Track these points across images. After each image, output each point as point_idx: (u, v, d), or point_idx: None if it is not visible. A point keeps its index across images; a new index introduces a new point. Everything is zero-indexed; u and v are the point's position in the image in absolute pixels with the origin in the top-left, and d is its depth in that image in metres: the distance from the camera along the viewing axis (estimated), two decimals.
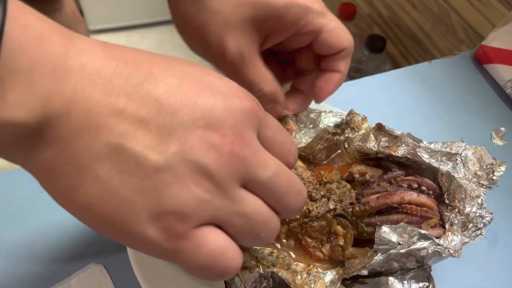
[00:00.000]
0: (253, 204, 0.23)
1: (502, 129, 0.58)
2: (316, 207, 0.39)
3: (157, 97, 0.21)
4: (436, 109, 0.61)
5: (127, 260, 0.40)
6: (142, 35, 1.82)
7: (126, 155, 0.20)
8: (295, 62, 0.42)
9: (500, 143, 0.58)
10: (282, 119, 0.43)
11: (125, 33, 1.82)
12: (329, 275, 0.36)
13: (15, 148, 0.20)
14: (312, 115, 0.43)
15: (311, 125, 0.43)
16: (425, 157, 0.38)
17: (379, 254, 0.34)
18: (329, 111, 0.43)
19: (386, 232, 0.34)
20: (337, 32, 0.37)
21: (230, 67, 0.36)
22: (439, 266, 0.36)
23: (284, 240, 0.40)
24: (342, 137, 0.43)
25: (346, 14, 1.22)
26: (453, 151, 0.38)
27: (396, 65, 1.19)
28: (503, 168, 0.44)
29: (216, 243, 0.22)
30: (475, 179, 0.38)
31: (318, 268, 0.37)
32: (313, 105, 0.45)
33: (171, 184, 0.21)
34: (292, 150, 0.27)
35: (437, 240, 0.34)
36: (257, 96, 0.36)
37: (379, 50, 1.14)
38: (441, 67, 0.66)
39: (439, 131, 0.59)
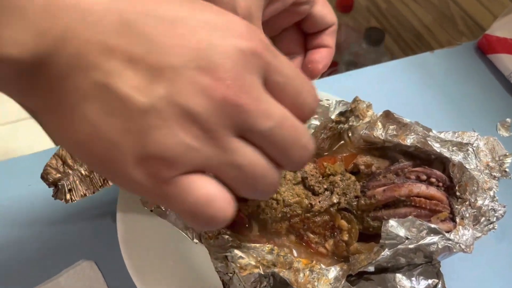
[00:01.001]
0: (248, 155, 0.21)
1: (508, 120, 0.57)
2: (319, 201, 0.37)
3: (149, 34, 0.20)
4: (439, 100, 0.59)
5: (119, 256, 0.39)
6: None
7: (112, 95, 0.19)
8: (277, 48, 0.40)
9: (506, 134, 0.56)
10: None
11: None
12: (333, 272, 0.34)
13: (14, 88, 0.20)
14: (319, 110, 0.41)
15: (316, 116, 0.41)
16: (436, 146, 0.36)
17: (386, 249, 0.32)
18: (337, 101, 0.41)
19: (394, 226, 0.32)
20: (327, 6, 0.37)
21: None
22: (445, 261, 0.35)
23: (285, 237, 0.38)
24: (346, 126, 0.41)
25: (344, 7, 1.21)
26: (464, 141, 0.36)
27: (394, 59, 1.16)
28: (509, 160, 0.42)
29: (203, 191, 0.21)
30: (487, 171, 0.35)
31: (321, 264, 0.35)
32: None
33: (156, 128, 0.20)
34: (309, 100, 0.24)
35: (447, 235, 0.32)
36: None
37: (378, 43, 1.12)
38: (444, 57, 0.64)
39: (442, 123, 0.57)
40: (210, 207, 0.21)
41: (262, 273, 0.32)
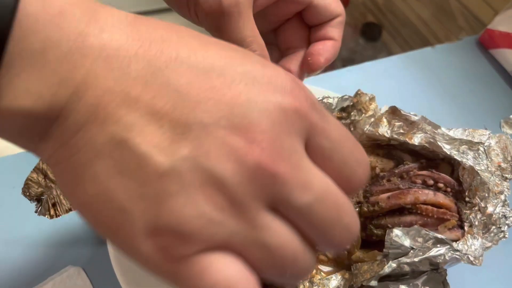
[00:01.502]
0: (279, 233, 0.18)
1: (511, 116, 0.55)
2: None
3: (178, 86, 0.17)
4: (440, 96, 0.58)
5: (108, 262, 0.37)
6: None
7: (129, 153, 0.17)
8: (278, 42, 0.38)
9: (509, 131, 0.54)
10: None
11: None
12: (334, 280, 0.33)
13: (24, 138, 0.18)
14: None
15: None
16: (446, 148, 0.34)
17: (390, 262, 0.30)
18: (339, 97, 0.39)
19: (398, 235, 0.30)
20: None
21: (221, 20, 0.31)
22: (451, 268, 0.33)
23: None
24: (348, 121, 0.38)
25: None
26: (475, 140, 0.34)
27: (391, 55, 1.15)
28: None
29: (224, 274, 0.18)
30: (498, 172, 0.33)
31: (322, 273, 0.33)
32: (314, 92, 0.41)
33: (174, 194, 0.17)
34: (359, 170, 0.20)
35: (455, 245, 0.30)
36: None
37: (375, 38, 1.10)
38: (445, 52, 0.63)
39: (444, 119, 0.55)
40: None
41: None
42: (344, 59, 1.21)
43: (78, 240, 0.43)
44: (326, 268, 0.35)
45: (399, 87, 0.58)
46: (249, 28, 0.31)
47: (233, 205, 0.17)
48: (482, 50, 0.63)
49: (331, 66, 1.16)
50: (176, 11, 0.34)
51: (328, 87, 0.50)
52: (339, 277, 0.33)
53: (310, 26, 0.36)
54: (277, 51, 0.38)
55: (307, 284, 0.32)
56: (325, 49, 0.34)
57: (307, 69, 0.35)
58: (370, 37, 1.11)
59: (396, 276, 0.32)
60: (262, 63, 0.19)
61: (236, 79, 0.18)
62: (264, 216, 0.18)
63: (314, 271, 0.34)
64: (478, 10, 0.88)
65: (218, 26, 0.31)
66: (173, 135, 0.17)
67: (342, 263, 0.35)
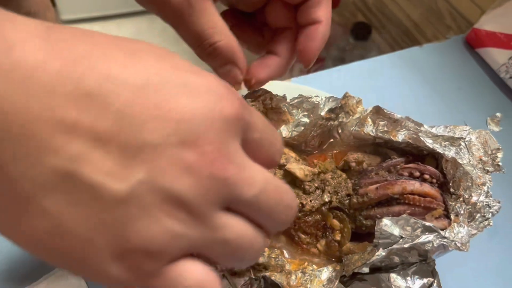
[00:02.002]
0: (235, 228, 0.20)
1: (498, 114, 0.56)
2: (310, 201, 0.36)
3: (118, 106, 0.17)
4: (428, 94, 0.59)
5: None
6: (118, 26, 1.77)
7: (80, 184, 0.16)
8: (267, 21, 0.36)
9: (496, 129, 0.56)
10: (250, 91, 0.37)
11: (101, 24, 1.76)
12: (326, 272, 0.34)
13: None
14: (305, 105, 0.40)
15: (306, 113, 0.39)
16: (429, 142, 0.35)
17: (380, 249, 0.31)
18: (327, 97, 0.40)
19: (387, 225, 0.31)
20: None
21: (175, 15, 0.31)
22: (439, 258, 0.34)
23: (275, 238, 0.37)
24: (336, 122, 0.40)
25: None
26: (456, 135, 0.36)
27: (381, 54, 1.16)
28: (500, 155, 0.42)
29: (193, 278, 0.19)
30: (480, 165, 0.35)
31: (314, 265, 0.34)
32: (304, 91, 0.42)
33: (136, 218, 0.17)
34: (279, 147, 0.24)
35: (442, 233, 0.31)
36: (209, 54, 0.31)
37: (365, 37, 1.12)
38: (433, 51, 0.64)
39: (432, 117, 0.56)
40: None
41: (253, 277, 0.31)
42: (334, 58, 1.22)
43: None
44: (318, 262, 0.36)
45: (387, 86, 0.60)
46: (206, 20, 0.30)
47: (193, 215, 0.18)
48: (469, 49, 0.65)
49: (322, 65, 1.17)
50: (146, 8, 0.33)
51: (318, 86, 0.51)
52: (330, 269, 0.34)
53: (294, 5, 0.34)
54: (269, 32, 0.37)
55: (299, 274, 0.33)
56: (314, 38, 0.33)
57: (301, 62, 0.35)
58: (360, 37, 1.12)
59: (386, 268, 0.33)
60: (194, 72, 0.19)
61: (176, 93, 0.18)
62: (221, 217, 0.19)
63: (306, 263, 0.35)
64: (466, 10, 0.90)
65: (175, 21, 0.31)
66: (123, 160, 0.17)
67: (333, 256, 0.36)
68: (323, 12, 0.33)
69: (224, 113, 0.19)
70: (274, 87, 0.40)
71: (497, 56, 0.61)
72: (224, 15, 0.36)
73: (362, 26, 1.13)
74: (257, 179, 0.20)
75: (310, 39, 0.33)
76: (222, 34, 0.31)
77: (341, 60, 1.19)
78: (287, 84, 0.52)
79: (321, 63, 1.27)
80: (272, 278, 0.32)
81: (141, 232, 0.17)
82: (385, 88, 0.59)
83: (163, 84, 0.18)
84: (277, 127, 0.40)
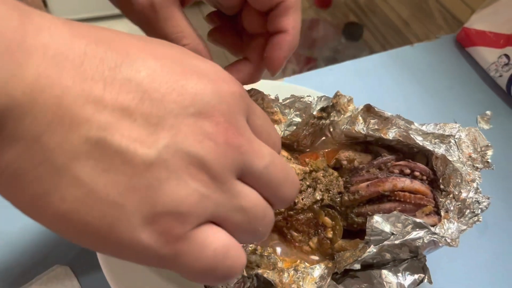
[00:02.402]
0: (251, 197, 0.21)
1: (488, 112, 0.57)
2: (302, 199, 0.37)
3: (139, 81, 0.18)
4: (419, 93, 0.60)
5: (95, 260, 0.38)
6: (110, 27, 1.76)
7: (111, 151, 0.18)
8: (244, 26, 0.36)
9: (486, 127, 0.57)
10: None
11: (92, 24, 1.75)
12: (318, 270, 0.34)
13: None
14: (298, 104, 0.40)
15: (298, 113, 0.40)
16: (419, 139, 0.36)
17: (371, 246, 0.32)
18: (319, 97, 0.40)
19: (378, 222, 0.32)
20: None
21: (142, 21, 0.32)
22: (430, 255, 0.35)
23: (267, 236, 0.38)
24: (327, 121, 0.40)
25: (322, 2, 1.21)
26: (446, 133, 0.36)
27: (373, 54, 1.17)
28: (490, 152, 0.43)
29: (219, 242, 0.20)
30: (469, 162, 0.36)
31: (306, 263, 0.34)
32: (297, 91, 0.42)
33: (165, 180, 0.18)
34: (277, 141, 0.25)
35: (432, 229, 0.32)
36: None
37: (357, 38, 1.13)
38: (424, 50, 0.65)
39: (423, 116, 0.57)
40: (228, 258, 0.20)
41: (246, 274, 0.31)
42: (326, 59, 1.23)
43: (65, 239, 0.44)
44: (310, 260, 0.37)
45: (379, 85, 0.60)
46: (172, 26, 0.31)
47: (214, 179, 0.19)
48: (459, 48, 0.66)
49: (314, 65, 1.17)
50: (119, 9, 0.34)
51: (311, 85, 0.51)
52: (323, 266, 0.34)
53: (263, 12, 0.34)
54: (247, 36, 0.37)
55: (292, 272, 0.33)
56: (279, 48, 0.33)
57: (267, 69, 0.35)
58: (352, 37, 1.13)
59: (378, 265, 0.34)
60: (200, 58, 0.22)
61: (189, 71, 0.20)
62: (237, 185, 0.21)
63: (298, 260, 0.35)
64: (456, 9, 0.91)
65: (143, 27, 0.32)
66: (148, 127, 0.18)
67: (325, 253, 0.37)
68: (290, 22, 0.32)
69: (231, 90, 0.21)
70: (266, 87, 0.40)
71: (487, 55, 0.62)
72: (210, 16, 0.37)
73: (354, 26, 1.14)
74: (266, 153, 0.22)
75: (275, 48, 0.33)
76: (190, 38, 0.32)
77: (333, 60, 1.20)
78: (280, 83, 0.52)
79: (313, 63, 1.27)
80: (265, 275, 0.32)
81: (171, 194, 0.18)
82: (377, 87, 0.60)
83: (177, 63, 0.20)
84: None
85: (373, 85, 0.60)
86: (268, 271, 0.33)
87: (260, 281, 0.34)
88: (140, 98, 0.18)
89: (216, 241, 0.20)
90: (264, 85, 0.38)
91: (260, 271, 0.32)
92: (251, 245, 0.35)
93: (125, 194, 0.18)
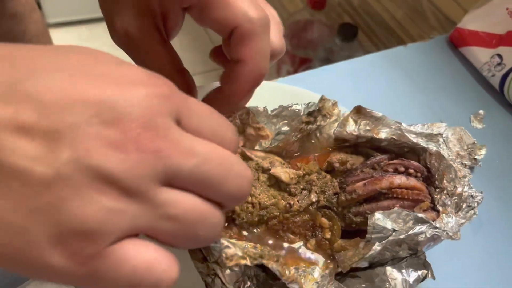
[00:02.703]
0: (181, 202, 0.20)
1: (481, 112, 0.58)
2: (298, 201, 0.37)
3: (39, 96, 0.17)
4: (413, 94, 0.60)
5: None
6: (106, 29, 1.76)
7: (8, 173, 0.17)
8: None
9: (479, 126, 0.57)
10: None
11: (87, 27, 1.75)
12: (317, 270, 0.34)
13: None
14: (285, 113, 0.39)
15: (286, 121, 0.40)
16: (412, 137, 0.36)
17: (376, 243, 0.32)
18: (305, 103, 0.40)
19: (380, 219, 0.32)
20: (228, 2, 0.28)
21: (125, 50, 0.32)
22: (427, 253, 0.35)
23: (264, 239, 0.37)
24: (314, 126, 0.40)
25: (316, 3, 1.21)
26: (434, 132, 0.37)
27: (367, 54, 1.18)
28: (483, 151, 0.44)
29: (140, 257, 0.19)
30: (458, 160, 0.36)
31: (306, 262, 0.34)
32: (291, 91, 0.42)
33: (68, 199, 0.17)
34: (227, 137, 0.23)
35: (434, 223, 0.32)
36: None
37: (351, 38, 1.13)
38: (417, 51, 0.66)
39: (416, 117, 0.58)
40: (152, 273, 0.19)
41: (249, 264, 0.31)
42: (321, 59, 1.23)
43: None
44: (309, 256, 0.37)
45: (373, 85, 0.61)
46: (149, 56, 0.31)
47: (127, 192, 0.18)
48: (453, 48, 0.66)
49: (309, 66, 1.17)
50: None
51: (305, 86, 0.52)
52: (323, 266, 0.34)
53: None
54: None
55: (292, 270, 0.33)
56: (231, 80, 0.31)
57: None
58: (347, 38, 1.13)
59: (376, 265, 0.34)
60: (116, 63, 0.20)
61: (95, 80, 0.19)
62: (162, 192, 0.19)
63: (298, 260, 0.36)
64: (449, 10, 0.91)
65: (127, 53, 0.32)
66: (48, 144, 0.17)
67: (325, 254, 0.37)
68: (246, 51, 0.29)
69: (148, 92, 0.19)
70: (260, 88, 0.40)
71: (479, 54, 0.62)
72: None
73: (348, 27, 1.14)
74: (198, 150, 0.20)
75: (230, 79, 0.31)
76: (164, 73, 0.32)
77: (328, 60, 1.20)
78: (274, 84, 0.53)
79: (308, 63, 1.28)
80: (269, 266, 0.32)
81: (75, 213, 0.17)
82: (371, 87, 0.60)
83: (84, 73, 0.19)
84: (256, 143, 0.40)
85: (367, 85, 0.60)
86: (272, 262, 0.32)
87: (260, 281, 0.33)
88: (39, 113, 0.17)
89: (137, 256, 0.19)
90: (259, 86, 0.38)
91: (264, 261, 0.32)
92: (249, 243, 0.35)
93: (28, 217, 0.17)
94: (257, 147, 0.40)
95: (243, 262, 0.30)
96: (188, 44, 1.73)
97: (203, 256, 0.32)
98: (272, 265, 0.31)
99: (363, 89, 0.60)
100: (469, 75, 0.63)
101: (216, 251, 0.31)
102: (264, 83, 0.51)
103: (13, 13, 0.61)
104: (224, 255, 0.30)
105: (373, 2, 1.14)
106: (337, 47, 1.18)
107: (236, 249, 0.31)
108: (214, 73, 1.65)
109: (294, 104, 0.40)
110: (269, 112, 0.40)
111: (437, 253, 0.40)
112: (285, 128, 0.40)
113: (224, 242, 0.31)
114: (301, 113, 0.40)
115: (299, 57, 1.29)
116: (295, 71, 1.31)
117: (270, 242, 0.37)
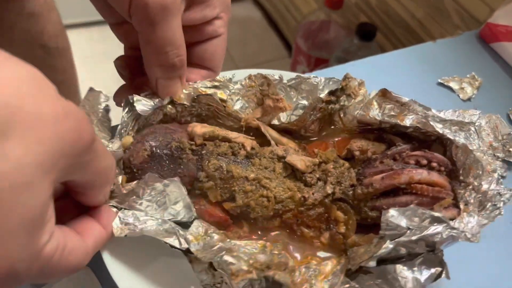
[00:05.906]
0: None
1: None
2: (312, 193, 0.36)
3: None
4: (441, 90, 0.59)
5: None
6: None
7: None
8: None
9: None
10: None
11: (99, 28, 1.77)
12: (329, 266, 0.33)
13: None
14: (304, 86, 0.39)
15: (304, 95, 0.39)
16: (438, 126, 0.35)
17: (387, 242, 0.30)
18: (326, 78, 0.39)
19: (394, 216, 0.31)
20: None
21: (146, 22, 0.33)
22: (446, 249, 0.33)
23: (278, 233, 0.36)
24: (337, 106, 0.39)
25: (333, 3, 1.21)
26: (466, 120, 0.35)
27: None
28: None
29: None
30: (490, 151, 0.34)
31: (317, 258, 0.33)
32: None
33: None
34: None
35: (452, 223, 0.31)
36: (168, 60, 0.35)
37: (370, 38, 1.12)
38: (446, 46, 0.64)
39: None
40: None
41: (256, 277, 0.30)
42: (338, 59, 1.22)
43: None
44: (322, 254, 0.35)
45: (401, 80, 0.59)
46: (175, 33, 0.35)
47: None
48: (483, 44, 0.65)
49: (326, 66, 1.16)
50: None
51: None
52: (335, 262, 0.33)
53: None
54: None
55: (303, 270, 0.32)
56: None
57: None
58: (366, 37, 1.12)
59: (392, 260, 0.32)
60: None
61: None
62: None
63: (310, 257, 0.34)
64: (473, 8, 0.90)
65: (141, 30, 0.35)
66: None
67: (338, 249, 0.35)
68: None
69: None
70: None
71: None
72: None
73: (367, 26, 1.13)
74: None
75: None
76: (184, 49, 0.36)
77: (345, 61, 1.19)
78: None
79: (324, 64, 1.27)
80: (276, 277, 0.31)
81: None
82: (398, 82, 0.59)
83: None
84: (274, 114, 0.39)
85: (395, 81, 0.59)
86: (279, 272, 0.32)
87: (269, 282, 0.32)
88: None
89: None
90: None
91: (271, 273, 0.31)
92: (260, 242, 0.34)
93: None
94: (275, 122, 0.40)
95: (249, 276, 0.30)
96: None
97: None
98: (279, 276, 0.31)
99: (391, 83, 0.58)
100: (502, 71, 0.62)
101: (219, 268, 0.31)
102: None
103: (31, 12, 0.62)
104: (229, 272, 0.30)
105: (391, 2, 1.12)
106: (354, 47, 1.16)
107: (240, 263, 0.30)
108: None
109: (313, 76, 0.39)
110: (285, 81, 0.39)
111: (458, 248, 0.38)
112: (303, 102, 0.39)
113: (228, 258, 0.31)
114: (320, 86, 0.39)
115: (315, 57, 1.28)
116: (311, 69, 1.30)
117: (286, 234, 0.37)
